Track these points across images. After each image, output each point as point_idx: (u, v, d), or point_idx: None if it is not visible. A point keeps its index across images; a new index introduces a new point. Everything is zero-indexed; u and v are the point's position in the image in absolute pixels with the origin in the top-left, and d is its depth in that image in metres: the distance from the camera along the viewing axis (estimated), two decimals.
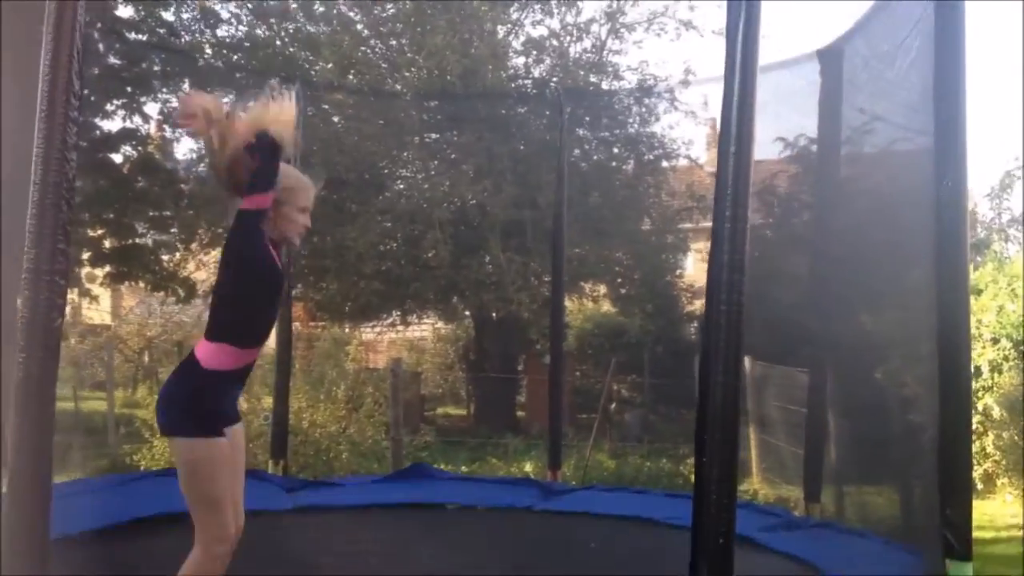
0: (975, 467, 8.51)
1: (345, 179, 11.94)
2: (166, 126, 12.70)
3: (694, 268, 16.33)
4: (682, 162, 13.89)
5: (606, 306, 15.90)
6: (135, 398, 14.78)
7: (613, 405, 14.01)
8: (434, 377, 17.86)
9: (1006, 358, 8.78)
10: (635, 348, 14.33)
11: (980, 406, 8.59)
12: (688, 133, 31.48)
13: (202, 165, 13.12)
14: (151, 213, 12.43)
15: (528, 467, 8.76)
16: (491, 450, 10.65)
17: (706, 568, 2.23)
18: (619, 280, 14.47)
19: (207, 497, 3.01)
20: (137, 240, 13.05)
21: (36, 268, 2.27)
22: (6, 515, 2.21)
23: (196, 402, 3.00)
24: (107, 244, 12.85)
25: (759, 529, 4.13)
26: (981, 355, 8.83)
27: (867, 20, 4.67)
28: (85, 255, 12.69)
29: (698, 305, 13.94)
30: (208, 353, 3.03)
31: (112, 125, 11.89)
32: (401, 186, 13.42)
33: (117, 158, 11.99)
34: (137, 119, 11.78)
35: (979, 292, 9.28)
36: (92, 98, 10.93)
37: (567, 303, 14.40)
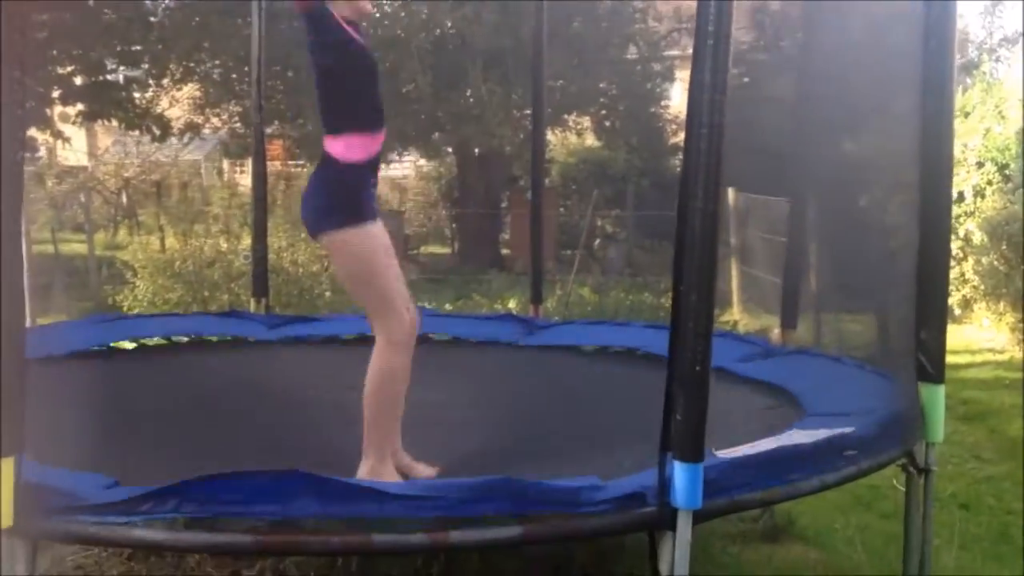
0: (954, 292, 8.60)
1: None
2: None
3: (681, 98, 16.03)
4: None
5: (590, 139, 15.71)
6: (115, 240, 14.71)
7: (596, 240, 14.05)
8: (417, 216, 17.81)
9: (990, 182, 8.74)
10: (619, 182, 14.26)
11: (961, 231, 8.61)
12: None
13: None
14: (120, 47, 12.02)
15: (512, 303, 8.81)
16: (475, 287, 10.69)
17: (682, 396, 2.23)
18: (603, 112, 14.22)
19: (377, 286, 2.95)
20: (108, 76, 12.67)
21: None
22: None
23: (343, 194, 2.94)
24: (77, 81, 12.47)
25: (736, 359, 4.17)
26: (965, 180, 8.78)
27: None
28: (55, 93, 12.35)
29: (683, 137, 13.77)
30: (339, 147, 2.96)
31: None
32: (377, 14, 12.95)
33: None
34: None
35: (966, 115, 9.14)
36: None
37: (550, 136, 14.21)
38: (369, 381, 2.95)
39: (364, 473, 2.87)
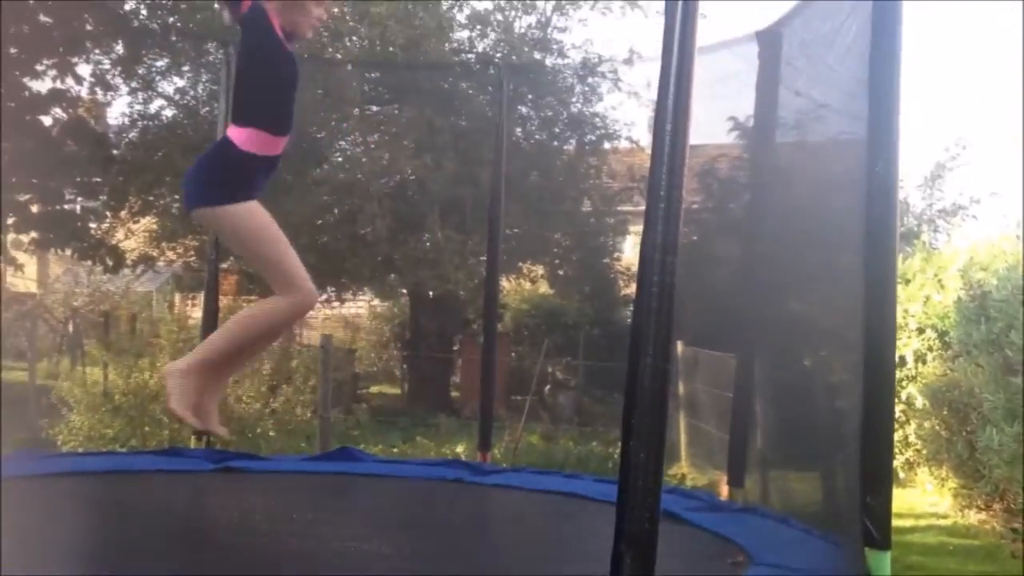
0: (897, 455, 8.68)
1: (289, 151, 11.72)
2: (98, 88, 12.32)
3: (633, 251, 16.40)
4: (623, 143, 13.92)
5: (543, 287, 15.92)
6: (58, 369, 14.39)
7: (547, 387, 14.05)
8: (368, 355, 17.72)
9: (930, 348, 8.95)
10: (571, 330, 14.38)
11: (904, 395, 8.75)
12: (630, 115, 31.54)
13: (134, 131, 12.82)
14: (79, 179, 12.09)
15: (460, 448, 8.73)
16: (423, 431, 10.58)
17: (630, 552, 2.19)
18: (557, 261, 14.49)
19: (279, 259, 3.08)
20: (65, 206, 12.68)
21: None
22: None
23: (233, 174, 3.08)
24: (33, 209, 12.46)
25: (684, 509, 4.13)
26: (907, 344, 8.99)
27: (808, 2, 4.66)
28: (10, 220, 12.29)
29: (635, 288, 14.01)
30: (240, 136, 3.10)
31: (41, 86, 11.51)
32: (339, 158, 13.23)
33: (46, 120, 11.63)
34: (68, 80, 11.42)
35: (907, 281, 9.43)
36: (21, 56, 10.56)
37: (504, 283, 14.39)
38: (244, 316, 3.16)
39: (170, 368, 3.10)
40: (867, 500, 3.04)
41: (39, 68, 10.95)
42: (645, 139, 14.71)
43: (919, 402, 8.55)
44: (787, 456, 5.25)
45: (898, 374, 8.49)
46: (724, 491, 6.93)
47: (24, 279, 16.74)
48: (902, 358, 8.83)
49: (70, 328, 16.51)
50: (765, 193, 5.31)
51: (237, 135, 3.13)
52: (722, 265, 8.14)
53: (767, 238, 5.16)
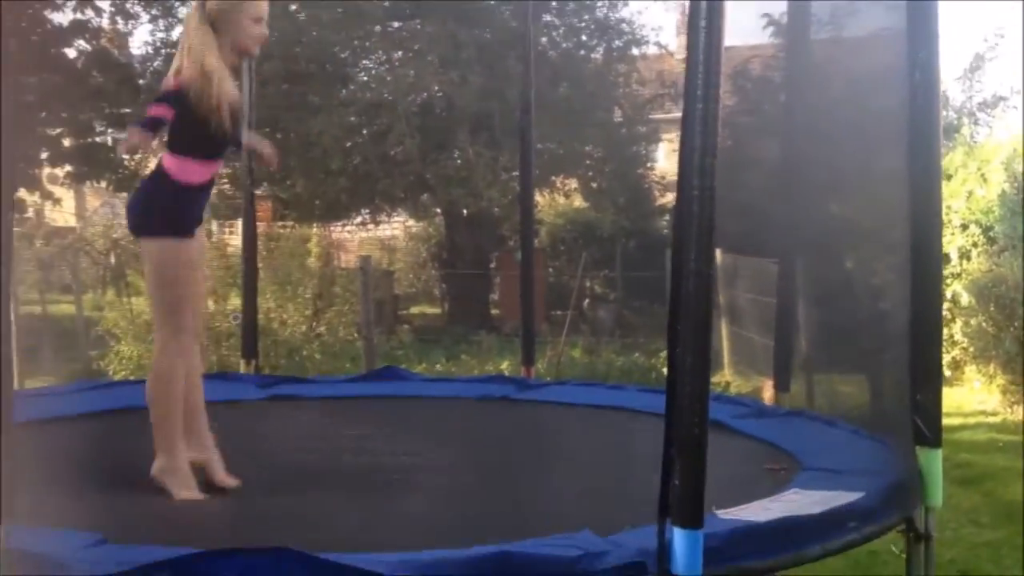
0: (943, 355, 8.59)
1: (306, 71, 11.62)
2: (119, 18, 12.23)
3: (666, 160, 16.21)
4: (652, 49, 13.64)
5: (578, 200, 15.82)
6: (104, 300, 14.62)
7: (586, 301, 14.06)
8: (407, 276, 17.81)
9: (975, 244, 8.81)
10: (607, 243, 14.32)
11: (949, 293, 8.64)
12: (658, 19, 30.79)
13: (159, 60, 12.75)
14: (108, 110, 12.09)
15: (503, 364, 8.79)
16: (466, 348, 10.66)
17: (680, 461, 2.20)
18: (590, 173, 14.34)
19: (171, 298, 3.19)
20: (96, 138, 12.72)
21: None
22: None
23: (164, 208, 3.17)
24: (66, 143, 12.51)
25: (731, 416, 4.14)
26: (950, 242, 8.85)
27: None
28: (44, 154, 12.38)
29: (670, 198, 13.88)
30: (174, 166, 3.18)
31: (63, 18, 11.45)
32: (364, 78, 13.10)
33: (70, 53, 11.59)
34: (89, 11, 11.35)
35: (949, 177, 9.24)
36: None
37: (538, 198, 14.29)
38: (148, 386, 3.21)
39: (156, 470, 3.13)
40: (916, 398, 3.01)
41: (58, 0, 10.88)
42: (674, 44, 14.41)
43: (965, 299, 8.45)
44: (832, 359, 5.22)
45: (943, 271, 8.38)
46: (767, 396, 6.94)
47: (63, 213, 16.94)
48: (946, 255, 8.71)
49: (112, 260, 16.71)
50: (801, 92, 5.16)
51: (171, 165, 3.20)
52: (759, 168, 8.00)
53: (804, 139, 5.04)
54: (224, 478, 3.23)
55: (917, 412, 2.99)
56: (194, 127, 3.14)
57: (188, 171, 3.18)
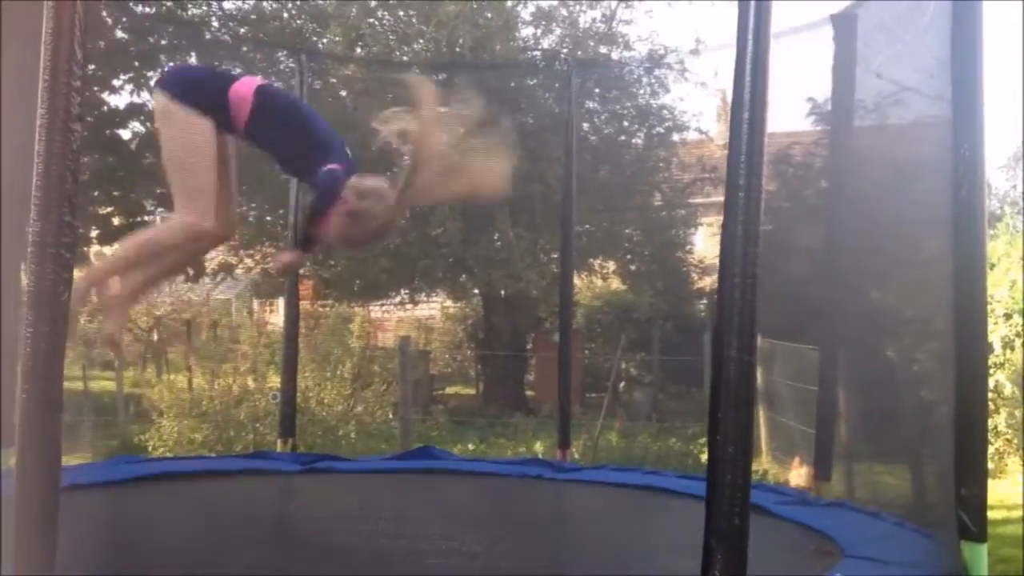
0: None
1: (354, 155, 11.86)
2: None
3: (704, 244, 16.23)
4: (692, 135, 13.78)
5: (615, 283, 15.84)
6: (144, 377, 14.78)
7: (623, 384, 13.99)
8: (443, 356, 17.84)
9: (1018, 334, 8.70)
10: (644, 325, 14.29)
11: (991, 383, 8.51)
12: (698, 105, 31.21)
13: None
14: (159, 190, 12.37)
15: (538, 447, 8.74)
16: (500, 430, 10.63)
17: (721, 547, 2.18)
18: (628, 256, 14.39)
19: (185, 176, 3.21)
20: (146, 218, 13.00)
21: (42, 241, 2.21)
22: (16, 499, 2.16)
23: (201, 84, 3.25)
24: (116, 221, 12.80)
25: (773, 503, 4.08)
26: (993, 331, 8.74)
27: None
28: (94, 233, 12.66)
29: (708, 281, 13.88)
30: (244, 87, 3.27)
31: (119, 100, 11.83)
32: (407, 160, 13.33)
33: (125, 134, 11.93)
34: (144, 94, 11.72)
35: (992, 266, 9.18)
36: (99, 73, 10.87)
37: (576, 280, 14.34)
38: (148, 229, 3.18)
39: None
40: (961, 492, 2.97)
41: (116, 83, 11.25)
42: (714, 129, 14.56)
43: (1008, 389, 8.31)
44: (874, 449, 5.15)
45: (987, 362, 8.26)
46: (797, 479, 6.84)
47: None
48: (989, 345, 8.60)
49: (154, 336, 16.94)
50: (844, 178, 5.20)
51: (240, 86, 3.27)
52: (800, 255, 8.00)
53: (846, 225, 5.06)
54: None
55: (962, 505, 2.95)
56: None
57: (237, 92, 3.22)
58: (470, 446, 9.44)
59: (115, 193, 12.00)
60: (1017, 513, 7.63)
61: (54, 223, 2.22)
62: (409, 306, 16.89)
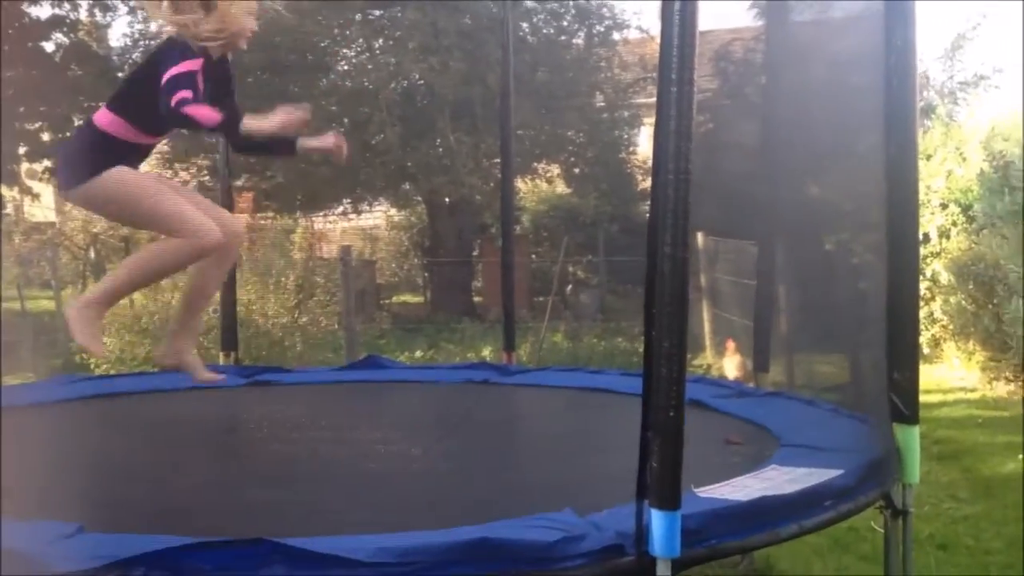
0: (923, 332, 8.68)
1: (286, 61, 11.55)
2: (96, 11, 12.12)
3: (648, 144, 16.20)
4: (633, 33, 13.62)
5: (560, 186, 15.81)
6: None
7: (569, 286, 14.08)
8: (389, 265, 17.77)
9: (954, 223, 8.86)
10: (590, 228, 14.34)
11: (928, 272, 8.70)
12: (639, 3, 30.77)
13: (137, 52, 12.65)
14: (86, 104, 11.99)
15: (486, 352, 8.79)
16: (448, 336, 10.66)
17: (657, 443, 2.21)
18: (572, 159, 14.34)
19: (162, 210, 2.99)
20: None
21: None
22: None
23: (93, 152, 3.01)
24: (44, 137, 12.41)
25: (711, 397, 4.16)
26: (929, 221, 8.90)
27: None
28: (22, 150, 12.27)
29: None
30: (105, 120, 3.02)
31: (41, 12, 11.34)
32: (345, 67, 13.04)
33: (48, 46, 11.49)
34: (66, 4, 11.25)
35: (928, 157, 9.28)
36: None
37: (520, 184, 14.29)
38: (146, 248, 3.17)
39: (71, 308, 3.08)
40: (894, 376, 3.03)
41: None
42: (655, 28, 14.39)
43: (944, 278, 8.50)
44: (812, 339, 5.25)
45: (922, 251, 8.43)
46: (734, 369, 7.00)
47: (42, 208, 16.82)
48: (926, 235, 8.76)
49: (91, 254, 16.60)
50: (782, 74, 5.17)
51: (101, 117, 3.05)
52: (739, 152, 8.02)
53: (784, 121, 5.05)
54: (208, 376, 3.29)
55: (894, 390, 3.02)
56: (144, 97, 2.94)
57: (126, 133, 3.03)
58: (418, 353, 9.47)
59: (41, 108, 11.60)
60: (953, 396, 7.91)
61: None
62: (353, 216, 16.73)
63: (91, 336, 3.10)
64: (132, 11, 12.52)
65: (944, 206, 8.97)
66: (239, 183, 12.05)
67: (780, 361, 5.08)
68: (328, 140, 3.37)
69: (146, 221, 3.09)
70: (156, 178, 3.20)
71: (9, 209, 17.12)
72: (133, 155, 3.12)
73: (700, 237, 9.64)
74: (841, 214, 5.20)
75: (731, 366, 7.21)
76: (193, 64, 2.93)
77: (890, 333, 3.07)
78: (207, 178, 13.24)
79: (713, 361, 9.15)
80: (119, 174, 2.99)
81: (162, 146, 13.30)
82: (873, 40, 3.32)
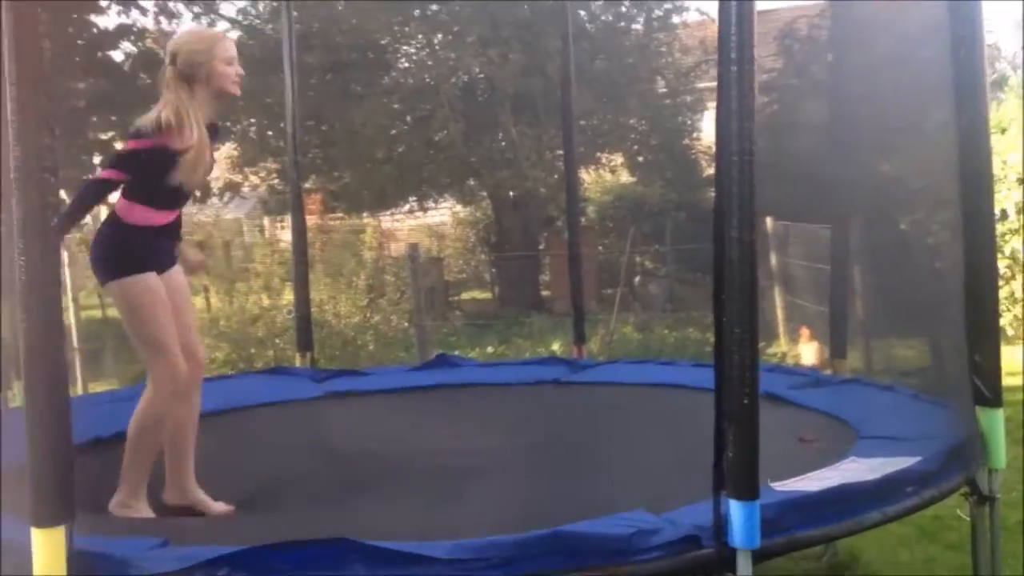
0: (1005, 312, 8.41)
1: (348, 60, 11.66)
2: (162, 18, 12.37)
3: (712, 128, 15.99)
4: (693, 16, 13.45)
5: (624, 176, 15.68)
6: None
7: (637, 277, 13.97)
8: (456, 262, 17.83)
9: None
10: (657, 217, 14.20)
11: (1007, 250, 8.42)
12: None
13: None
14: None
15: (555, 345, 8.78)
16: (517, 331, 10.67)
17: (732, 432, 2.18)
18: (635, 147, 14.20)
19: (150, 337, 3.13)
20: None
21: (24, 167, 2.18)
22: (27, 425, 2.18)
23: (119, 249, 3.15)
24: (118, 146, 12.71)
25: (787, 387, 4.09)
26: (1007, 197, 8.62)
27: None
28: (96, 159, 12.59)
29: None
30: (124, 209, 3.16)
31: (108, 22, 11.61)
32: (406, 64, 13.11)
33: (117, 56, 11.75)
34: (134, 13, 11.50)
35: (1003, 131, 8.99)
36: None
37: (584, 175, 14.20)
38: (132, 423, 3.12)
39: (113, 504, 3.08)
40: (975, 358, 2.95)
41: (103, 3, 11.02)
42: (715, 9, 14.19)
43: None
44: (889, 323, 5.13)
45: (1000, 227, 8.17)
46: (810, 354, 6.86)
47: None
48: (1003, 211, 8.48)
49: None
50: (847, 51, 5.06)
51: (122, 208, 3.17)
52: (807, 132, 7.86)
53: (852, 99, 4.94)
54: (218, 509, 3.19)
55: (976, 372, 2.94)
56: (152, 182, 3.12)
57: (143, 216, 3.16)
58: (489, 349, 9.50)
59: (112, 118, 11.87)
60: None
61: (34, 146, 2.17)
62: (419, 214, 16.83)
63: (149, 513, 3.15)
64: (196, 17, 12.75)
65: (1022, 181, 8.67)
66: (307, 185, 12.20)
67: (857, 346, 4.98)
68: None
69: (132, 338, 3.21)
70: (157, 300, 3.15)
71: (87, 219, 17.62)
72: (164, 235, 3.25)
73: (769, 222, 9.48)
74: (914, 192, 5.08)
75: (807, 353, 7.09)
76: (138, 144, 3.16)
77: (968, 314, 2.99)
78: (276, 181, 13.45)
79: (788, 349, 8.99)
80: (124, 286, 3.13)
81: (231, 151, 13.58)
82: (939, 12, 3.24)
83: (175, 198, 3.24)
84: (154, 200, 3.17)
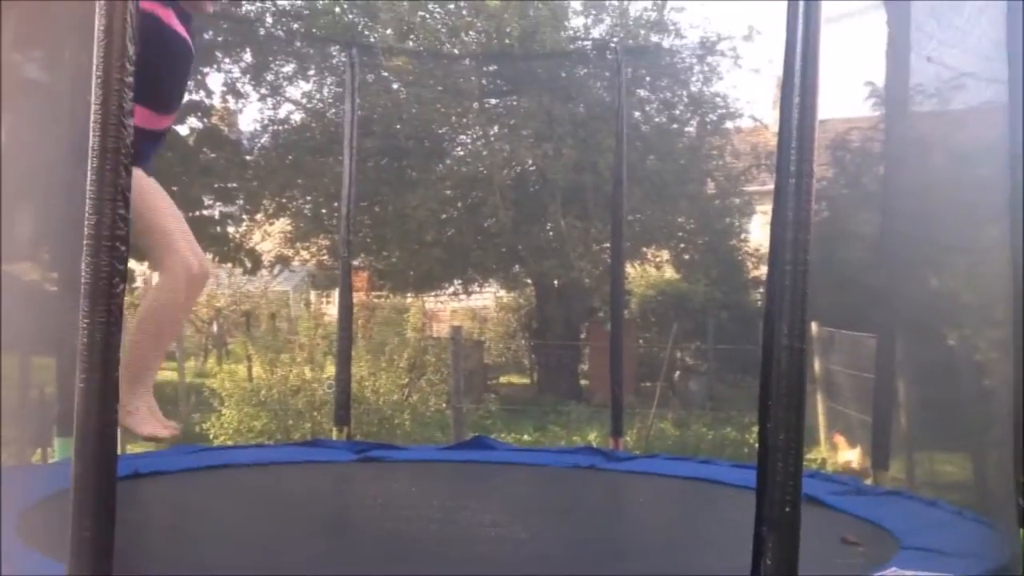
0: None
1: (405, 147, 11.96)
2: (229, 97, 12.81)
3: (760, 232, 16.05)
4: (746, 122, 13.64)
5: (669, 272, 15.75)
6: (205, 368, 15.08)
7: (677, 373, 13.91)
8: (497, 346, 17.89)
9: None
10: (699, 315, 14.19)
11: None
12: (752, 92, 30.80)
13: (266, 136, 13.32)
14: (217, 185, 12.61)
15: (591, 436, 8.74)
16: (554, 418, 10.64)
17: (771, 538, 2.17)
18: (682, 245, 14.30)
19: (160, 225, 3.14)
20: (204, 212, 13.26)
21: (97, 235, 2.26)
22: (74, 488, 2.22)
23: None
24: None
25: (828, 493, 4.04)
26: None
27: None
28: None
29: (764, 270, 13.66)
30: None
31: None
32: (461, 152, 13.40)
33: (183, 130, 12.14)
34: (201, 92, 11.92)
35: None
36: None
37: (629, 269, 14.29)
38: (141, 319, 3.10)
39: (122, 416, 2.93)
40: (1021, 479, 2.91)
41: None
42: (768, 117, 14.40)
43: None
44: (933, 437, 5.07)
45: None
46: (850, 461, 6.75)
47: None
48: None
49: (214, 328, 17.25)
50: (901, 164, 5.12)
51: None
52: (856, 241, 7.88)
53: (904, 211, 4.98)
54: (162, 429, 3.20)
55: (1022, 493, 2.90)
56: (143, 72, 3.14)
57: (143, 119, 3.06)
58: (525, 436, 9.47)
59: (174, 188, 12.21)
60: None
61: (108, 216, 2.27)
62: (463, 296, 16.98)
63: (148, 423, 3.18)
64: (262, 98, 13.19)
65: None
66: (356, 263, 12.41)
67: (900, 458, 4.91)
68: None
69: (140, 231, 3.13)
70: (161, 191, 3.23)
71: (139, 282, 18.02)
72: (149, 144, 3.27)
73: (815, 327, 9.45)
74: (963, 308, 5.05)
75: (845, 460, 6.99)
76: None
77: (1018, 436, 2.96)
78: (326, 257, 13.69)
79: (828, 455, 8.86)
80: (137, 176, 3.15)
81: (285, 226, 13.90)
82: (995, 132, 3.28)
83: (170, 97, 3.29)
84: (147, 94, 3.04)
